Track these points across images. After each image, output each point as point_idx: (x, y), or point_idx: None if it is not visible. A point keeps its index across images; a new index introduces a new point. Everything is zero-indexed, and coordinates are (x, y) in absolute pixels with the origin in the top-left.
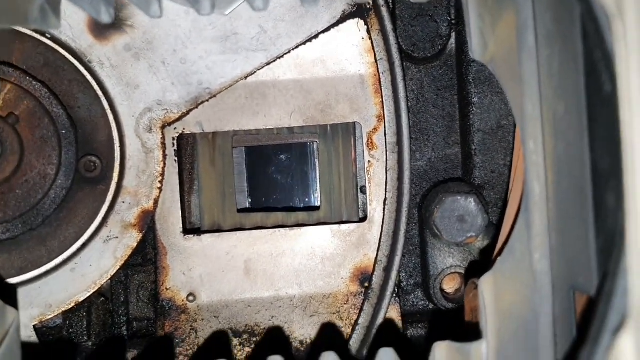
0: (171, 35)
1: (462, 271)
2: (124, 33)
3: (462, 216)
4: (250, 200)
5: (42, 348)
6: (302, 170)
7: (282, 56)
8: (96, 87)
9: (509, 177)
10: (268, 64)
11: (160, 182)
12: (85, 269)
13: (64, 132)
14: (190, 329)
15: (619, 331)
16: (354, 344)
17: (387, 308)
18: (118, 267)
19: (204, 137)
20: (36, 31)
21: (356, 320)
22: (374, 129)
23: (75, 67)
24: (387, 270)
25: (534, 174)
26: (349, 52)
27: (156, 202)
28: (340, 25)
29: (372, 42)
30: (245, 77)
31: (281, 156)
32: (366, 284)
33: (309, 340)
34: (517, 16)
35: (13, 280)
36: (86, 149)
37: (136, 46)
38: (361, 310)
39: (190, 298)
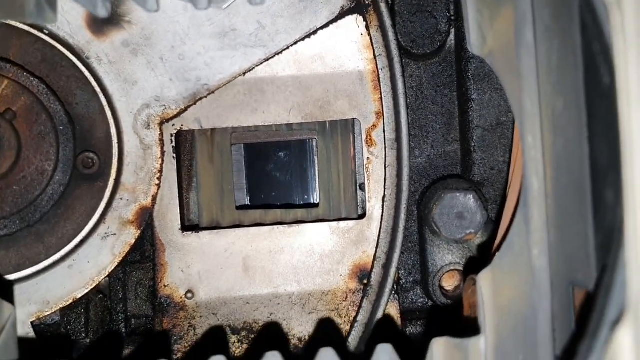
0: (169, 31)
1: (461, 268)
2: (122, 29)
3: (461, 213)
4: (248, 197)
5: (40, 345)
6: (301, 167)
7: (281, 52)
8: (94, 83)
9: (508, 174)
10: (266, 60)
11: (159, 178)
12: (83, 266)
13: (61, 128)
14: (189, 326)
15: (617, 324)
16: (352, 341)
17: (386, 305)
18: (116, 264)
19: (203, 133)
20: (34, 27)
21: (355, 317)
22: (373, 125)
23: (73, 63)
24: (386, 267)
25: (532, 169)
26: (348, 49)
27: (154, 198)
28: (339, 22)
29: (371, 39)
30: (244, 74)
31: (280, 153)
32: (365, 281)
33: (307, 337)
34: (515, 11)
35: (10, 277)
36: (84, 145)
37: (134, 42)
38: (360, 307)
39: (189, 295)
